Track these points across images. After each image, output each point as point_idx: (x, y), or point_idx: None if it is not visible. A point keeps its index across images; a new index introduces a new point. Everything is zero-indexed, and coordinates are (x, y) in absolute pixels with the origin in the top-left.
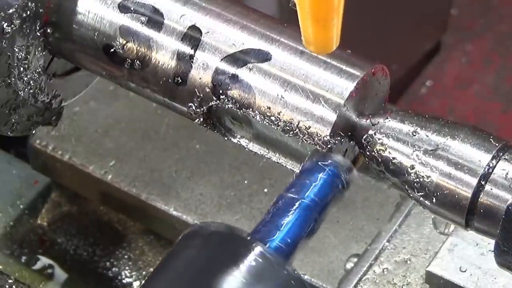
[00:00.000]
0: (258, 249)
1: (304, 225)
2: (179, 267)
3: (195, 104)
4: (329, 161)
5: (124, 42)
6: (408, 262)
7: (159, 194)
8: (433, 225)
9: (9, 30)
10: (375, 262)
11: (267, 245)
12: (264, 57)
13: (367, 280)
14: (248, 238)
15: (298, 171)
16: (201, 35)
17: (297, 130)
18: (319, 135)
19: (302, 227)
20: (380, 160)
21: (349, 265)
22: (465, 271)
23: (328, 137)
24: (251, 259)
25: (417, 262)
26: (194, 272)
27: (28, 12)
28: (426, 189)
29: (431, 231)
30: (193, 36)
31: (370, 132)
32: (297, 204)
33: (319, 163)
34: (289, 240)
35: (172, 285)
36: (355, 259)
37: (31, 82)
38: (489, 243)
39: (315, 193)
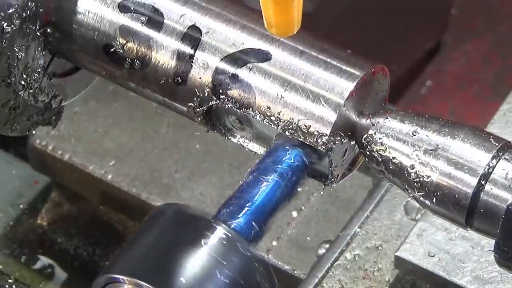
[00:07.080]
0: (220, 230)
1: (269, 206)
2: (143, 247)
3: (195, 104)
4: (295, 142)
5: (124, 42)
6: (379, 248)
7: (159, 194)
8: (404, 212)
9: (9, 30)
10: (347, 248)
11: (231, 226)
12: (264, 57)
13: (338, 266)
14: (211, 219)
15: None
16: (201, 35)
17: (297, 129)
18: (319, 134)
19: (267, 208)
20: (380, 160)
21: (321, 251)
22: (433, 256)
23: (328, 137)
24: (213, 240)
25: (388, 248)
26: (157, 252)
27: (28, 12)
28: (426, 188)
29: (402, 217)
30: (193, 36)
31: (370, 132)
32: (261, 185)
33: (284, 145)
34: (253, 221)
35: (135, 264)
36: (327, 245)
37: (31, 82)
38: (458, 228)
39: (279, 174)
